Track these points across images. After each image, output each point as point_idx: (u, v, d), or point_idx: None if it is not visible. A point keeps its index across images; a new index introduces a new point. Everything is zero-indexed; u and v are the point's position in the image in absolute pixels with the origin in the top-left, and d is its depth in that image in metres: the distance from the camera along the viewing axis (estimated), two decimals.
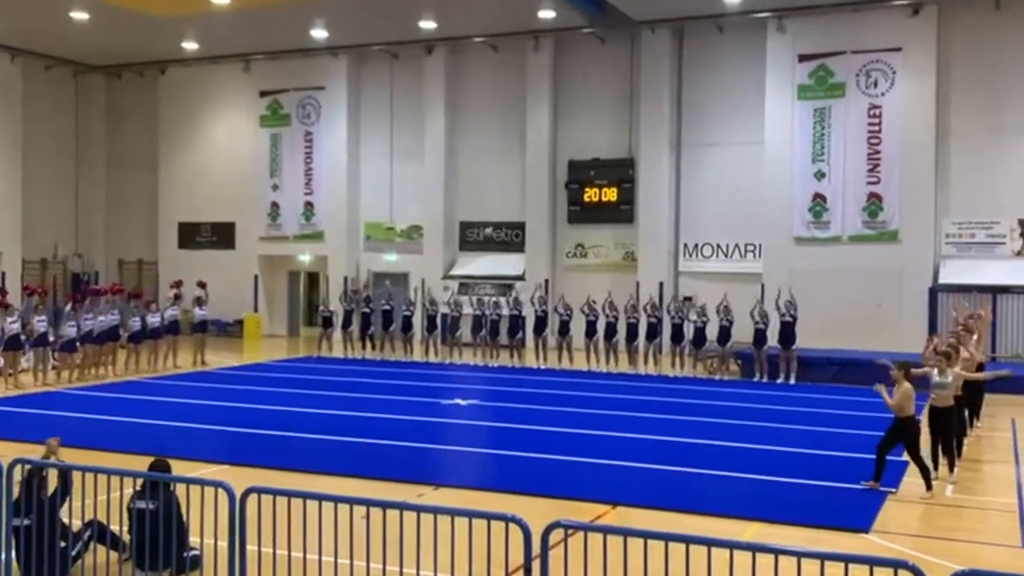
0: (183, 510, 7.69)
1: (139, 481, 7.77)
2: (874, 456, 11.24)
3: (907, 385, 11.13)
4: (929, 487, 11.09)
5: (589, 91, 27.60)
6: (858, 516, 10.07)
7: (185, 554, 7.70)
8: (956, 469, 11.92)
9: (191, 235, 32.34)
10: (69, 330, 20.03)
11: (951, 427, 11.97)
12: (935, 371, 11.87)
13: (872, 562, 5.38)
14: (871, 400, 13.23)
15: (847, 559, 5.41)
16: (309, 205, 30.71)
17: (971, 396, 13.49)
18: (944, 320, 22.88)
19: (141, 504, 7.44)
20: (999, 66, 23.30)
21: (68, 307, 21.05)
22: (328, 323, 25.34)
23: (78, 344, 20.07)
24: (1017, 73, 23.19)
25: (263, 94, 31.10)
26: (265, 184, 31.10)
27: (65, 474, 7.72)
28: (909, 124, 23.66)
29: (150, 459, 8.32)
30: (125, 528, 7.80)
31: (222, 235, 31.92)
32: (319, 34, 27.92)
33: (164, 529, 7.17)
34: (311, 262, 31.28)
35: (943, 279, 23.45)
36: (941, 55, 23.60)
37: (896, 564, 5.18)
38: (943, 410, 11.76)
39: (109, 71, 33.06)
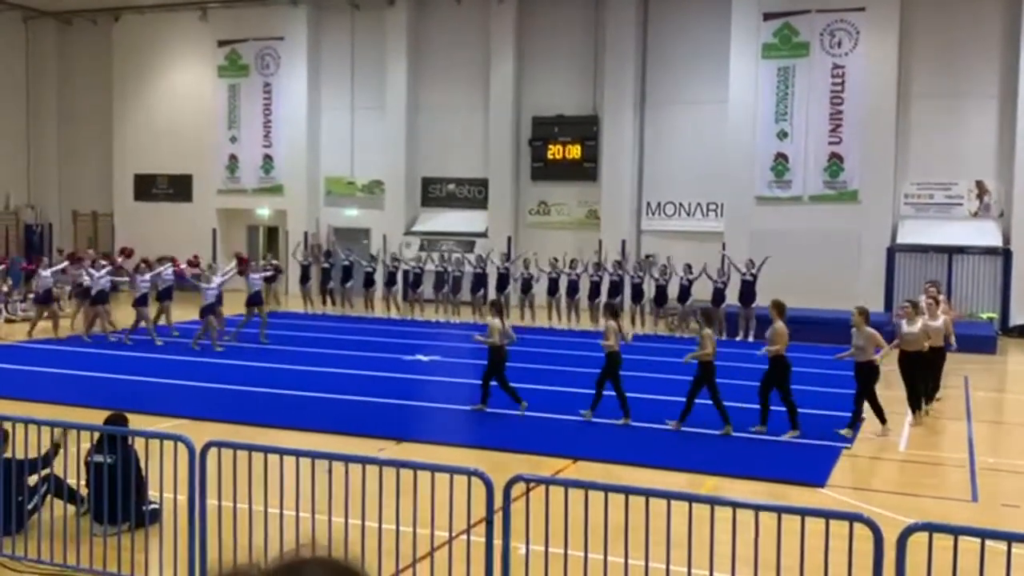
0: (142, 464, 7.63)
1: (96, 435, 7.69)
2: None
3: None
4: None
5: (554, 47, 27.35)
6: (814, 471, 10.26)
7: (144, 508, 7.64)
8: (918, 413, 12.59)
9: (147, 187, 31.74)
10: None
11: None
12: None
13: (828, 515, 5.48)
14: (827, 358, 13.47)
15: (804, 512, 5.51)
16: (268, 158, 30.26)
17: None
18: (902, 281, 23.28)
19: (99, 458, 7.36)
20: (961, 29, 23.44)
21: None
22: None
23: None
24: (978, 37, 23.36)
25: (221, 44, 30.44)
26: (223, 136, 30.56)
27: (54, 451, 7.69)
28: (871, 85, 23.78)
29: (107, 413, 8.22)
30: (83, 482, 7.72)
31: (179, 188, 31.37)
32: None
33: (123, 483, 7.10)
34: (270, 216, 30.90)
35: (901, 239, 23.76)
36: (904, 17, 23.68)
37: (851, 517, 5.28)
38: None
39: (60, 17, 32.13)
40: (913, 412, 12.62)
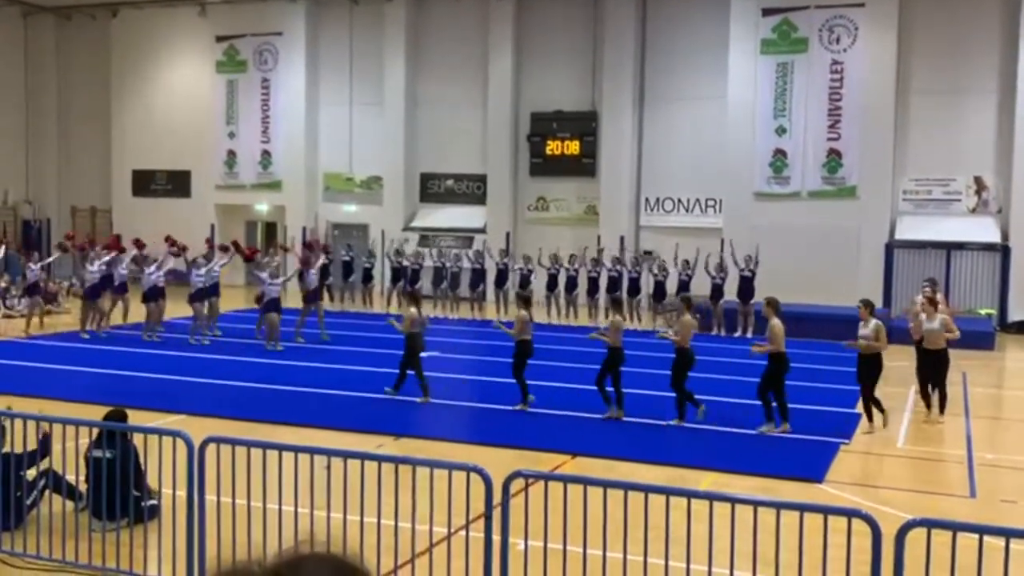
0: (141, 460, 7.63)
1: (95, 430, 7.69)
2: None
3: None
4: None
5: (553, 43, 27.32)
6: (812, 467, 10.26)
7: (143, 503, 7.65)
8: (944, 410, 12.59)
9: (146, 183, 31.70)
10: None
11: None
12: (924, 315, 12.47)
13: (826, 511, 5.48)
14: (826, 354, 13.47)
15: (802, 508, 5.51)
16: (266, 154, 30.23)
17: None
18: (900, 277, 23.29)
19: (98, 453, 7.36)
20: (960, 25, 23.43)
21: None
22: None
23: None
24: (977, 33, 23.35)
25: (219, 39, 30.39)
26: (221, 131, 30.52)
27: (45, 439, 7.66)
28: (870, 81, 23.77)
29: (106, 409, 8.22)
30: (82, 477, 7.72)
31: (177, 183, 31.34)
32: None
33: (122, 478, 7.10)
34: (269, 212, 30.87)
35: (899, 235, 23.76)
36: (903, 12, 23.66)
37: (850, 513, 5.28)
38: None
39: (59, 12, 32.07)
40: (942, 410, 12.58)
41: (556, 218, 27.57)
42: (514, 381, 12.75)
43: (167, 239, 21.58)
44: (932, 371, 12.53)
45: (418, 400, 13.06)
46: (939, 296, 14.86)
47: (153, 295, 18.77)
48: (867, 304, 11.94)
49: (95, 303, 19.30)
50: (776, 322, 11.63)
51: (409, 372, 13.19)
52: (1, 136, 31.64)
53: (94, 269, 19.25)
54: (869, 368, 11.64)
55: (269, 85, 30.03)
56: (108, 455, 7.22)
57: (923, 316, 12.70)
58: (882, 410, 11.75)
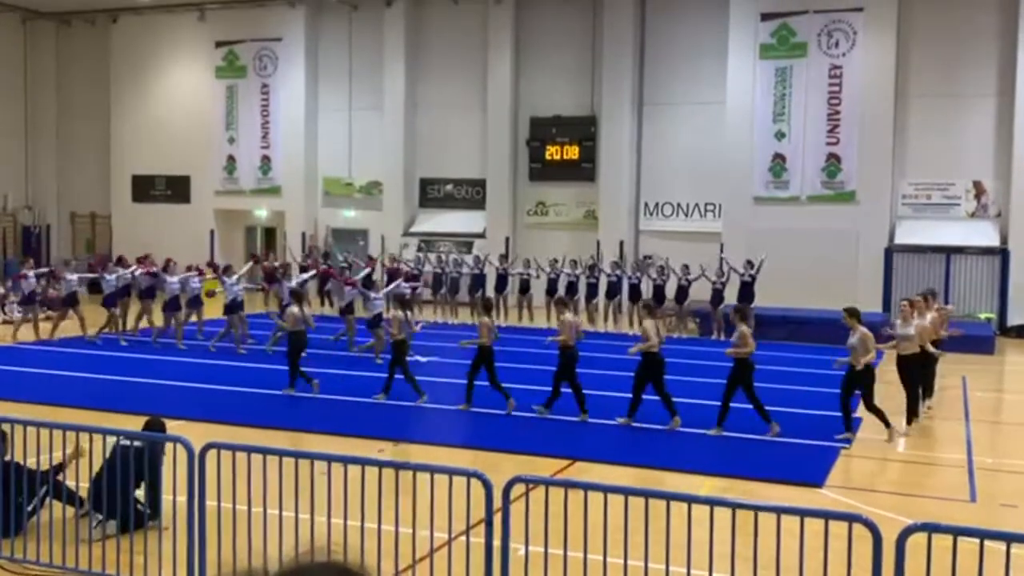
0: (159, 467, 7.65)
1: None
2: (840, 413, 11.62)
3: (862, 328, 11.49)
4: (888, 425, 11.53)
5: (551, 48, 27.36)
6: (812, 471, 10.26)
7: (143, 509, 7.65)
8: (914, 422, 12.37)
9: (145, 188, 31.72)
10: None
11: (915, 375, 12.40)
12: (899, 321, 12.39)
13: (827, 516, 5.49)
14: (825, 358, 13.47)
15: (803, 512, 5.51)
16: (266, 159, 30.25)
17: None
18: (900, 281, 23.30)
19: (126, 442, 7.34)
20: (958, 29, 23.46)
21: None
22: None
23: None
24: (976, 37, 23.39)
25: (219, 44, 30.43)
26: (221, 137, 30.55)
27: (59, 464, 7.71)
28: (869, 85, 23.80)
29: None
30: (95, 469, 7.68)
31: (177, 189, 31.35)
32: None
33: (141, 470, 7.13)
34: (268, 217, 30.88)
35: (899, 239, 23.78)
36: (902, 17, 23.71)
37: (850, 518, 5.28)
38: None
39: (59, 18, 32.12)
40: (909, 421, 12.37)
41: (555, 223, 27.59)
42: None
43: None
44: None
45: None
46: (936, 304, 14.60)
47: (234, 308, 18.47)
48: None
49: (113, 310, 19.26)
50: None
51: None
52: (1, 141, 31.65)
53: (111, 277, 19.30)
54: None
55: (269, 90, 30.07)
56: (136, 444, 7.25)
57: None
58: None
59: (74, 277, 19.78)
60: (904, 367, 12.41)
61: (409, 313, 14.27)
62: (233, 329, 18.40)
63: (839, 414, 11.98)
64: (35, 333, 19.65)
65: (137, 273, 19.98)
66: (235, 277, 19.21)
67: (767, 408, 11.74)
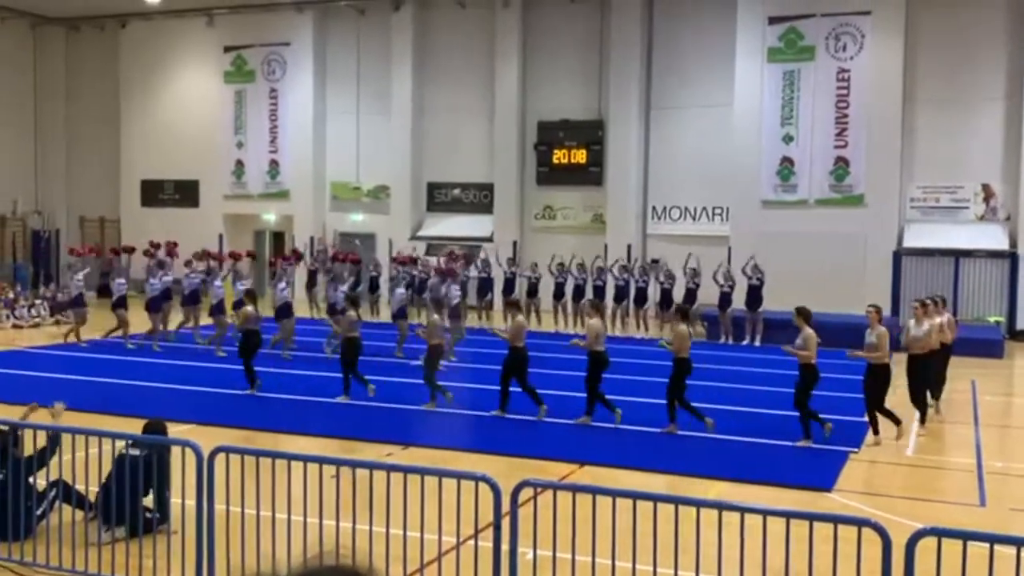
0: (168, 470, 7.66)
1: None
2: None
3: (881, 327, 11.48)
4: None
5: (559, 52, 27.37)
6: (821, 475, 10.24)
7: (151, 516, 7.66)
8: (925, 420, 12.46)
9: (154, 193, 31.82)
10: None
11: (925, 375, 12.41)
12: (912, 321, 12.41)
13: (836, 520, 5.47)
14: (835, 362, 13.43)
15: (812, 517, 5.50)
16: (274, 163, 30.32)
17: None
18: (908, 285, 23.23)
19: (135, 452, 7.37)
20: (966, 32, 23.41)
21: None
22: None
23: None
24: (984, 40, 23.33)
25: (227, 49, 30.52)
26: (229, 141, 30.64)
27: (55, 436, 7.69)
28: (877, 88, 23.75)
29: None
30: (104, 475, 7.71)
31: (186, 193, 31.44)
32: None
33: (149, 478, 7.15)
34: (276, 222, 30.95)
35: (907, 243, 23.71)
36: (910, 19, 23.66)
37: (859, 522, 5.27)
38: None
39: (68, 24, 32.25)
40: (921, 421, 12.44)
41: (563, 227, 27.58)
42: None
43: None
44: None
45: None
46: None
47: (285, 313, 18.50)
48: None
49: (155, 315, 19.25)
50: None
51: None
52: (10, 146, 31.78)
53: (155, 281, 19.30)
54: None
55: (277, 95, 30.14)
56: (141, 452, 7.27)
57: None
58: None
59: (80, 278, 19.68)
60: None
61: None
62: (220, 329, 18.48)
63: (848, 418, 11.96)
64: (76, 336, 19.52)
65: (186, 276, 20.02)
66: (222, 276, 19.35)
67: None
